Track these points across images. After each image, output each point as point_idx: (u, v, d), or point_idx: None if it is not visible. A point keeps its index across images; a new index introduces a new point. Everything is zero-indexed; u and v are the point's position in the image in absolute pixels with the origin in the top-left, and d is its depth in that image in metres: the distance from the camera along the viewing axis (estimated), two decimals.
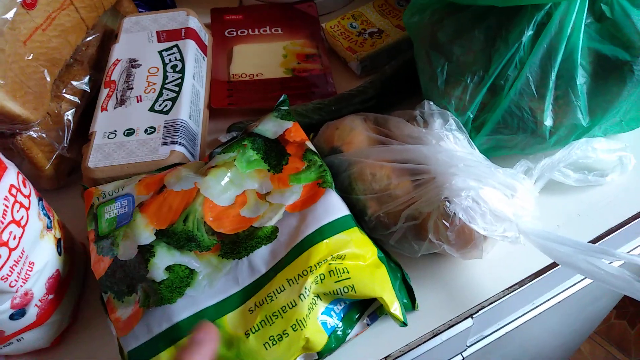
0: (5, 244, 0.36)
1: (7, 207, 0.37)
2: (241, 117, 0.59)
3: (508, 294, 0.46)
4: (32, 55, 0.50)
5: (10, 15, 0.48)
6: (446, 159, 0.44)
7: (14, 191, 0.38)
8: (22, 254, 0.38)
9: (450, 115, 0.47)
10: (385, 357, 0.42)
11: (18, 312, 0.40)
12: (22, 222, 0.38)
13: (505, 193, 0.43)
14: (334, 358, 0.41)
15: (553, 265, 0.47)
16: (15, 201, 0.38)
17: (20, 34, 0.50)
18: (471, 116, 0.49)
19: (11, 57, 0.48)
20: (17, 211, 0.38)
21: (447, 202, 0.42)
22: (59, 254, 0.43)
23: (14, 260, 0.37)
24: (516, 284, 0.46)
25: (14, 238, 0.37)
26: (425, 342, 0.44)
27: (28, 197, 0.40)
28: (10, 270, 0.37)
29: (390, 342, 0.43)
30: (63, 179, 0.55)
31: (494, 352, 0.67)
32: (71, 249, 0.46)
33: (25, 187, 0.40)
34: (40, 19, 0.52)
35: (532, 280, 0.46)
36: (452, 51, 0.49)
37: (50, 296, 0.42)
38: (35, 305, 0.41)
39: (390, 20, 0.67)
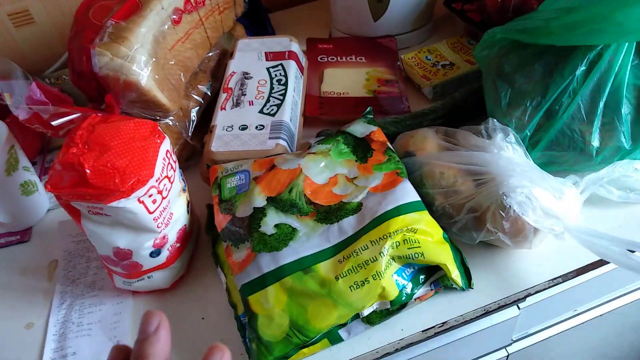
0: (160, 192, 0.48)
1: (164, 165, 0.49)
2: (328, 126, 0.70)
3: (552, 285, 0.53)
4: (174, 60, 0.64)
5: (165, 27, 0.62)
6: (505, 164, 0.53)
7: (168, 154, 0.50)
8: (168, 205, 0.50)
9: (510, 130, 0.57)
10: (443, 323, 0.50)
11: (155, 252, 0.51)
12: (171, 180, 0.50)
13: (554, 195, 0.51)
14: (403, 318, 0.50)
15: (593, 265, 0.54)
16: (169, 162, 0.50)
17: (168, 44, 0.63)
18: (528, 134, 0.58)
19: (162, 60, 0.61)
20: (169, 170, 0.50)
21: (504, 196, 0.50)
22: (187, 212, 0.55)
23: (163, 207, 0.49)
24: (560, 276, 0.53)
25: (166, 190, 0.49)
26: (477, 317, 0.52)
27: (175, 162, 0.52)
28: (159, 214, 0.49)
29: (448, 311, 0.51)
30: (182, 162, 0.67)
31: (533, 358, 0.73)
32: (192, 213, 0.57)
33: (173, 154, 0.52)
34: (181, 33, 0.66)
35: (575, 276, 0.53)
36: (515, 79, 0.59)
37: (177, 245, 0.53)
38: (167, 249, 0.52)
39: (461, 55, 0.78)
